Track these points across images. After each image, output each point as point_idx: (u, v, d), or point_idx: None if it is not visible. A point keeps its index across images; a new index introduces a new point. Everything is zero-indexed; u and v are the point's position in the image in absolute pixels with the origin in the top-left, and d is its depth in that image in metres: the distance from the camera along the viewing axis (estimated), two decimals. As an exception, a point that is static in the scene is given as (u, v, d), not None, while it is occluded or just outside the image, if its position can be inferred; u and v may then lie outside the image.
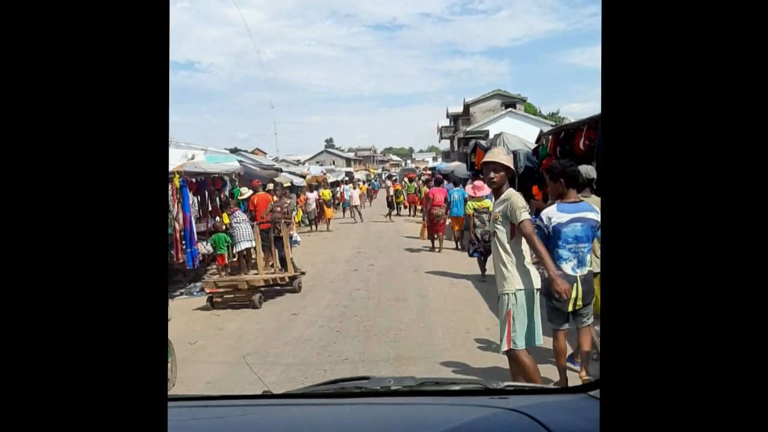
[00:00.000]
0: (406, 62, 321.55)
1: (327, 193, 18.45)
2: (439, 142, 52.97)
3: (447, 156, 45.36)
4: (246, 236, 8.82)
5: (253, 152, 61.34)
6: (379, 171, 66.02)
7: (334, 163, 55.09)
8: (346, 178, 30.00)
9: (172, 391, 4.21)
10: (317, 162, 58.04)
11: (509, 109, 34.73)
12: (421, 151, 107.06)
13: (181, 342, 5.52)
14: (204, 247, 9.25)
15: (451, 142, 48.54)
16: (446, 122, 50.00)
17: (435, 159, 64.65)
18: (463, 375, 4.25)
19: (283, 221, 8.58)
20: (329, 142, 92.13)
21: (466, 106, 40.84)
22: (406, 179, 24.38)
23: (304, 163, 34.30)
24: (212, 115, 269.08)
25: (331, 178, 27.94)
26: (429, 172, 27.96)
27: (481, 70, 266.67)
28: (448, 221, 11.70)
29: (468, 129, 36.10)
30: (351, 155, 79.60)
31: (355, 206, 20.42)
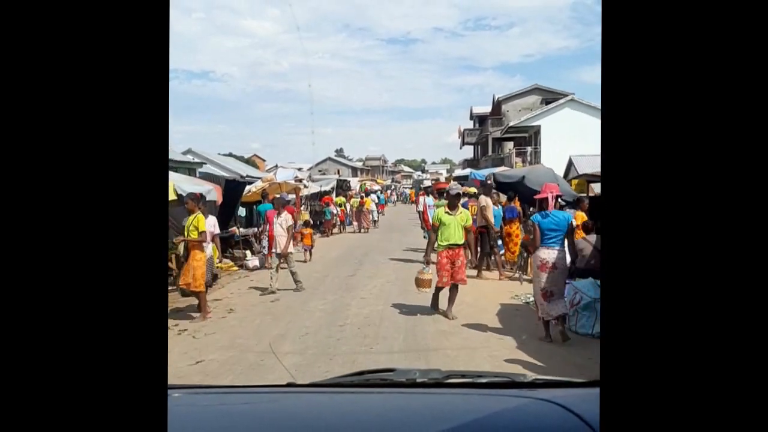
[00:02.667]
0: (419, 76, 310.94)
1: (195, 221, 6.40)
2: (461, 148, 44.15)
3: (474, 164, 36.54)
4: None
5: (250, 159, 53.40)
6: (389, 182, 58.16)
7: (338, 172, 46.75)
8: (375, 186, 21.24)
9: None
10: (320, 171, 50.07)
11: (570, 96, 26.24)
12: (434, 163, 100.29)
13: None
14: None
15: (476, 148, 40.10)
16: (469, 125, 41.58)
17: (449, 171, 56.06)
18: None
19: None
20: (339, 152, 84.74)
21: (498, 104, 32.54)
22: (424, 197, 13.02)
23: (305, 172, 26.00)
24: (226, 125, 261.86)
25: (314, 188, 19.58)
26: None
27: (492, 86, 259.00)
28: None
29: (511, 125, 27.60)
30: (359, 164, 72.04)
31: (281, 255, 7.98)
